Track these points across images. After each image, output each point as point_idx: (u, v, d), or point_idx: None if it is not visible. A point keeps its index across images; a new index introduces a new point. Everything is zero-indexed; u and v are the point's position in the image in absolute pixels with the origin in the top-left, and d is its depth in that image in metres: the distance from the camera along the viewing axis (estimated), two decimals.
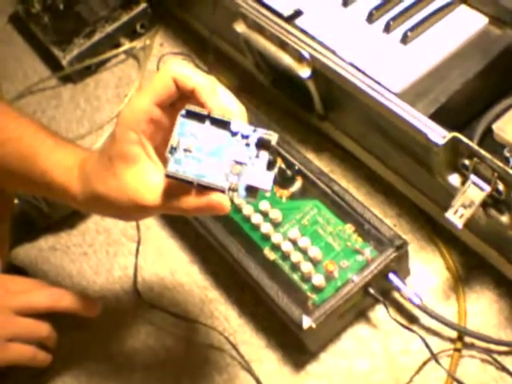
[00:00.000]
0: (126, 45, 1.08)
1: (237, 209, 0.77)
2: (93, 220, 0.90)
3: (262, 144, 0.53)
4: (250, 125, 0.53)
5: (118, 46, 1.08)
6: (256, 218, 0.75)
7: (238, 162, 0.53)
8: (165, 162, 0.53)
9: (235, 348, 0.74)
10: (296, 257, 0.71)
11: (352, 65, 0.73)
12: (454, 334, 0.70)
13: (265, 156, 0.53)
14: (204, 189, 0.52)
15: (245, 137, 0.53)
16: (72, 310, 0.72)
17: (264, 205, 0.76)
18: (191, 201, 0.53)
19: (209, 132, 0.53)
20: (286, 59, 0.78)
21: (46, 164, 0.61)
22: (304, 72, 0.76)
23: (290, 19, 0.80)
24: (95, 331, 0.80)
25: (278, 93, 0.89)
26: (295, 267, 0.71)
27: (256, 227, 0.75)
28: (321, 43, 0.76)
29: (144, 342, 0.78)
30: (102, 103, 1.04)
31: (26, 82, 1.10)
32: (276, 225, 0.75)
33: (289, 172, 0.78)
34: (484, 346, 0.69)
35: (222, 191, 0.52)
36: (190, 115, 0.53)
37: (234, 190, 0.52)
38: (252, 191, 0.53)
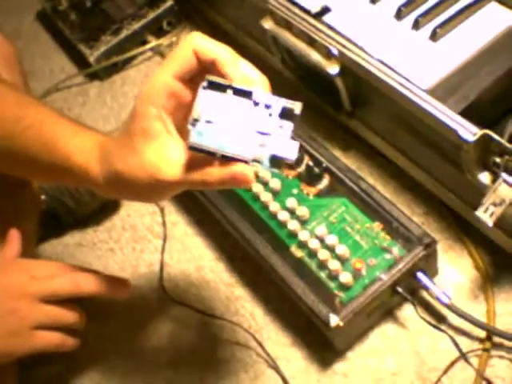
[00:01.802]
0: (153, 42, 1.08)
1: (263, 206, 0.77)
2: (119, 216, 0.91)
3: (285, 114, 0.52)
4: (273, 94, 0.53)
5: (144, 43, 1.09)
6: (283, 215, 0.75)
7: (261, 133, 0.52)
8: (186, 134, 0.52)
9: (261, 345, 0.74)
10: (323, 254, 0.71)
11: (381, 61, 0.73)
12: (482, 334, 0.70)
13: (289, 126, 0.52)
14: (227, 160, 0.52)
15: (268, 106, 0.52)
16: (99, 293, 0.71)
17: (291, 202, 0.75)
18: (214, 173, 0.52)
19: (231, 103, 0.52)
20: (315, 56, 0.77)
21: (66, 149, 0.60)
22: (332, 69, 0.75)
23: (317, 16, 0.80)
24: (120, 327, 0.81)
25: (305, 90, 0.88)
26: (322, 265, 0.71)
27: (283, 224, 0.75)
28: (349, 40, 0.75)
29: (169, 339, 0.78)
30: (129, 100, 1.04)
31: (52, 79, 1.11)
32: (303, 222, 0.74)
33: (316, 169, 0.77)
34: None
35: (246, 162, 0.51)
36: (212, 86, 0.52)
37: (257, 161, 0.52)
38: (276, 162, 0.52)
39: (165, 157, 0.54)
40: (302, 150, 0.79)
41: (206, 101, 0.52)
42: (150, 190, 0.56)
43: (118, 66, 1.09)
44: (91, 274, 0.71)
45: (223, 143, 0.51)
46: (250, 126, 0.52)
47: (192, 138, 0.51)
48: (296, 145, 0.51)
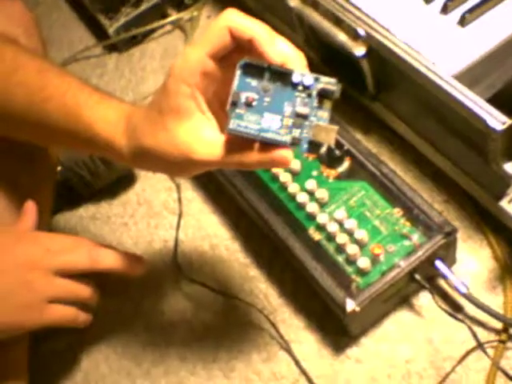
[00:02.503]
0: (173, 16, 1.07)
1: (282, 187, 0.76)
2: (134, 191, 0.90)
3: (324, 94, 0.51)
4: (312, 74, 0.52)
5: (164, 16, 1.07)
6: (302, 197, 0.74)
7: (299, 115, 0.51)
8: (218, 115, 0.52)
9: (274, 327, 0.74)
10: (342, 238, 0.70)
11: (408, 45, 0.71)
12: (499, 326, 0.69)
13: (327, 107, 0.51)
14: (266, 143, 0.51)
15: (306, 87, 0.51)
16: (115, 270, 0.70)
17: (310, 184, 0.74)
18: (254, 156, 0.52)
19: (269, 84, 0.51)
20: (341, 36, 0.76)
21: (90, 118, 0.59)
22: (359, 50, 0.74)
23: None
24: (134, 302, 0.80)
25: (328, 71, 0.87)
26: (340, 249, 0.70)
27: (301, 206, 0.74)
28: (376, 21, 0.74)
29: (182, 316, 0.78)
30: (147, 74, 1.03)
31: (71, 50, 1.10)
32: (322, 205, 0.73)
33: (337, 152, 0.76)
34: None
35: (285, 146, 0.51)
36: (249, 68, 0.51)
37: (296, 144, 0.51)
38: (314, 145, 0.51)
39: (199, 136, 0.53)
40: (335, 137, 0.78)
41: (244, 82, 0.51)
42: (180, 166, 0.55)
43: (137, 38, 1.07)
44: (107, 249, 0.71)
45: (262, 126, 0.51)
46: (289, 108, 0.51)
47: (231, 123, 0.51)
48: (335, 129, 0.51)
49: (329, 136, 0.51)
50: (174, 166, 0.55)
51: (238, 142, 0.52)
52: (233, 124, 0.51)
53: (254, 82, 0.51)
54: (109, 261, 0.69)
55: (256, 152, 0.52)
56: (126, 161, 0.59)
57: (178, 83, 0.53)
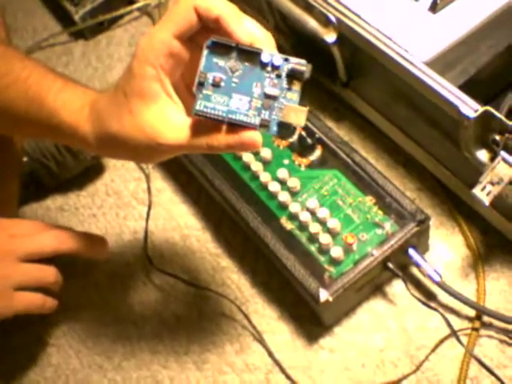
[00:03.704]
0: (141, 2, 1.05)
1: (254, 176, 0.75)
2: (103, 181, 0.88)
3: (294, 75, 0.50)
4: (281, 54, 0.51)
5: (132, 2, 1.05)
6: (273, 186, 0.73)
7: (269, 96, 0.50)
8: (185, 98, 0.51)
9: (247, 318, 0.73)
10: (314, 228, 0.69)
11: (379, 31, 0.71)
12: (472, 313, 0.69)
13: (297, 88, 0.50)
14: (234, 125, 0.50)
15: (276, 68, 0.50)
16: (79, 252, 0.69)
17: (282, 173, 0.73)
18: (222, 138, 0.51)
19: (237, 64, 0.50)
20: (311, 23, 0.75)
21: (53, 104, 0.58)
22: (330, 37, 0.73)
23: None
24: (103, 295, 0.79)
25: (299, 57, 0.86)
26: (313, 238, 0.69)
27: (273, 196, 0.73)
28: (347, 8, 0.73)
29: (153, 309, 0.77)
30: (114, 61, 1.01)
31: (35, 37, 1.07)
32: (294, 194, 0.73)
33: (309, 140, 0.75)
34: (502, 326, 0.68)
35: (254, 128, 0.50)
36: (216, 47, 0.50)
37: (265, 126, 0.50)
38: (284, 127, 0.50)
39: (165, 120, 0.52)
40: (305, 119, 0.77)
41: (211, 62, 0.50)
42: (146, 152, 0.54)
43: (103, 25, 1.05)
44: (71, 231, 0.69)
45: (230, 107, 0.49)
46: (257, 89, 0.50)
47: (198, 104, 0.49)
48: (305, 110, 0.50)
49: (299, 117, 0.50)
50: (141, 151, 0.54)
51: (205, 125, 0.51)
52: (199, 105, 0.50)
53: (221, 62, 0.50)
54: (74, 242, 0.68)
55: (224, 134, 0.50)
56: (92, 148, 0.58)
57: (142, 65, 0.51)
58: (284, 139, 0.57)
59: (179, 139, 0.52)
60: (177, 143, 0.52)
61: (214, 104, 0.50)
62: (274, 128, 0.50)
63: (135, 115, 0.53)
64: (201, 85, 0.50)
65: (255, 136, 0.50)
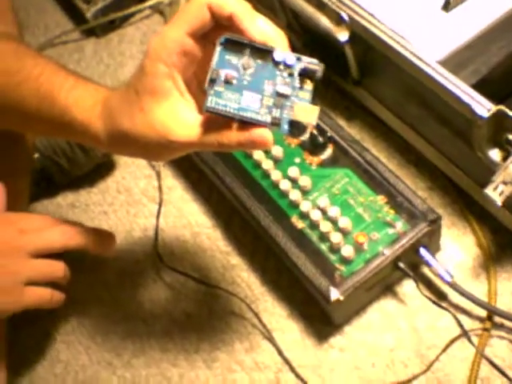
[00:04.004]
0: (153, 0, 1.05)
1: (265, 174, 0.75)
2: (113, 179, 0.88)
3: (306, 75, 0.50)
4: (294, 53, 0.50)
5: (143, 0, 1.05)
6: (284, 185, 0.73)
7: (280, 95, 0.50)
8: (199, 94, 0.51)
9: (257, 316, 0.72)
10: (325, 226, 0.69)
11: (392, 30, 0.70)
12: (483, 313, 0.69)
13: (309, 88, 0.50)
14: (245, 123, 0.50)
15: (288, 66, 0.50)
16: (87, 248, 0.69)
17: (293, 171, 0.73)
18: (232, 136, 0.50)
19: (249, 62, 0.50)
20: (324, 21, 0.74)
21: (65, 102, 0.58)
22: (342, 35, 0.73)
23: None
24: (113, 292, 0.79)
25: (311, 56, 0.86)
26: (324, 237, 0.69)
27: (284, 194, 0.73)
28: (360, 6, 0.73)
29: (163, 306, 0.77)
30: (126, 59, 1.01)
31: (47, 34, 1.07)
32: (305, 192, 0.72)
33: (320, 138, 0.75)
34: None
35: (264, 126, 0.50)
36: (229, 44, 0.50)
37: (276, 124, 0.50)
38: (295, 126, 0.50)
39: (176, 117, 0.52)
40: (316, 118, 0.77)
41: (223, 59, 0.50)
42: (157, 149, 0.54)
43: (115, 23, 1.05)
44: (80, 226, 0.70)
45: (241, 105, 0.49)
46: (270, 87, 0.50)
47: (209, 101, 0.49)
48: (316, 109, 0.50)
49: (310, 116, 0.50)
50: (152, 148, 0.54)
51: (216, 122, 0.51)
52: (211, 102, 0.49)
53: (234, 60, 0.50)
54: (82, 239, 0.68)
55: (234, 132, 0.50)
56: (103, 145, 0.58)
57: (155, 63, 0.51)
58: (296, 138, 0.56)
59: (190, 136, 0.52)
60: (187, 140, 0.52)
61: (225, 101, 0.50)
62: (285, 126, 0.50)
63: (146, 113, 0.53)
64: (212, 81, 0.50)
65: (266, 134, 0.50)
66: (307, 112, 0.50)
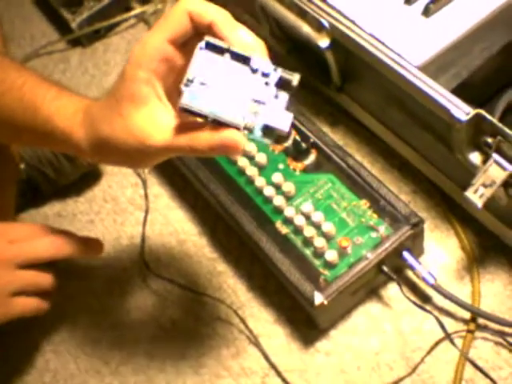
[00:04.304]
0: (137, 9, 1.05)
1: (249, 181, 0.75)
2: (100, 188, 0.89)
3: (282, 84, 0.51)
4: (272, 63, 0.51)
5: (128, 9, 1.06)
6: (268, 191, 0.73)
7: (256, 101, 0.51)
8: (177, 97, 0.51)
9: (243, 322, 0.73)
10: (309, 231, 0.70)
11: (372, 36, 0.71)
12: (467, 315, 0.69)
13: (285, 96, 0.51)
14: (219, 125, 0.51)
15: (265, 75, 0.51)
16: (76, 256, 0.70)
17: (277, 177, 0.74)
18: (203, 137, 0.51)
19: (227, 67, 0.51)
20: (305, 28, 0.75)
21: (48, 111, 0.59)
22: (323, 42, 0.74)
23: None
24: (100, 300, 0.79)
25: (294, 63, 0.86)
26: (308, 242, 0.70)
27: (268, 200, 0.73)
28: (340, 12, 0.74)
29: (150, 313, 0.77)
30: (111, 68, 1.02)
31: (33, 45, 1.08)
32: (289, 198, 0.73)
33: (303, 144, 0.76)
34: (497, 328, 0.68)
35: (238, 128, 0.50)
36: (209, 48, 0.51)
37: (249, 129, 0.51)
38: (268, 132, 0.51)
39: (154, 122, 0.53)
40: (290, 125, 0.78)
41: (202, 62, 0.51)
42: (137, 155, 0.55)
43: (100, 32, 1.05)
44: (68, 236, 0.70)
45: (216, 107, 0.50)
46: (245, 93, 0.50)
47: (184, 98, 0.50)
48: (290, 116, 0.50)
49: (283, 123, 0.51)
50: (132, 154, 0.55)
51: (189, 126, 0.52)
52: (185, 100, 0.50)
53: (212, 63, 0.51)
54: (70, 248, 0.68)
55: (207, 133, 0.51)
56: (85, 154, 0.58)
57: (135, 69, 0.52)
58: (274, 145, 0.57)
59: (166, 141, 0.53)
60: (164, 145, 0.53)
61: (200, 100, 0.50)
62: (258, 132, 0.51)
63: (125, 118, 0.53)
64: (189, 81, 0.50)
65: (237, 137, 0.50)
66: (281, 119, 0.51)
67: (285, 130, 0.51)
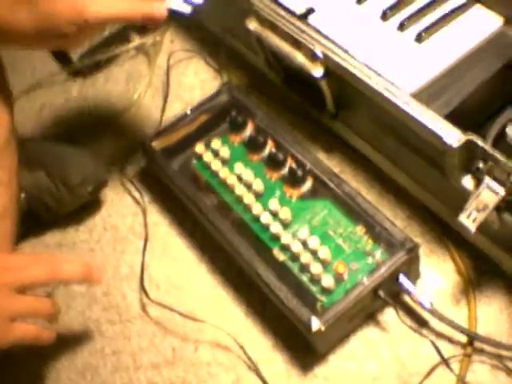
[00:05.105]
0: (137, 41, 1.07)
1: (246, 208, 0.76)
2: (100, 216, 0.90)
3: None
4: None
5: (128, 41, 1.08)
6: (265, 218, 0.74)
7: None
8: None
9: (242, 348, 0.73)
10: (306, 258, 0.70)
11: (365, 65, 0.72)
12: (464, 339, 0.70)
13: None
14: None
15: None
16: (73, 280, 0.71)
17: (274, 204, 0.75)
18: None
19: None
20: (299, 58, 0.77)
21: None
22: (317, 71, 0.75)
23: (302, 17, 0.79)
24: (100, 328, 0.80)
25: (289, 91, 0.88)
26: (305, 268, 0.71)
27: (265, 227, 0.74)
28: (334, 42, 0.75)
29: (150, 340, 0.78)
30: (112, 98, 1.03)
31: (35, 76, 1.10)
32: (286, 225, 0.74)
33: (299, 172, 0.77)
34: (494, 352, 0.68)
35: None
36: None
37: None
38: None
39: None
40: (286, 152, 0.79)
41: None
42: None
43: (101, 63, 1.07)
44: (66, 261, 0.70)
45: None
46: None
47: None
48: None
49: None
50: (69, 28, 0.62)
51: None
52: None
53: None
54: (68, 272, 0.69)
55: None
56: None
57: None
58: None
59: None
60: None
61: None
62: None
63: None
64: None
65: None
66: None
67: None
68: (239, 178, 0.79)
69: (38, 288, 0.70)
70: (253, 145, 0.82)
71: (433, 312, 0.69)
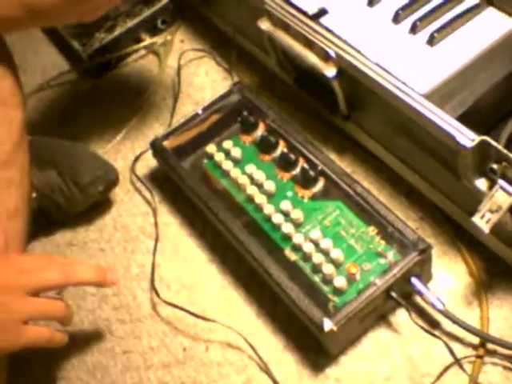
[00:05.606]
0: (147, 40, 1.07)
1: (258, 208, 0.76)
2: (111, 216, 0.90)
3: None
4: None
5: (138, 41, 1.08)
6: (277, 218, 0.74)
7: None
8: None
9: (253, 349, 0.73)
10: (317, 258, 0.70)
11: (378, 65, 0.72)
12: (476, 341, 0.69)
13: None
14: None
15: None
16: (87, 283, 0.71)
17: (285, 205, 0.75)
18: None
19: None
20: (311, 58, 0.77)
21: None
22: (329, 71, 0.75)
23: (315, 17, 0.79)
24: (111, 328, 0.80)
25: (300, 92, 0.88)
26: (316, 269, 0.70)
27: (277, 227, 0.74)
28: (346, 42, 0.75)
29: (161, 340, 0.77)
30: (122, 98, 1.03)
31: (44, 76, 1.10)
32: (297, 225, 0.74)
33: (311, 172, 0.77)
34: (507, 353, 0.68)
35: None
36: None
37: None
38: None
39: None
40: (298, 153, 0.79)
41: None
42: None
43: (111, 63, 1.07)
44: (78, 264, 0.71)
45: None
46: None
47: None
48: None
49: None
50: None
51: None
52: None
53: None
54: (81, 276, 0.69)
55: None
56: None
57: None
58: None
59: None
60: None
61: None
62: None
63: None
64: None
65: None
66: None
67: None
68: (250, 178, 0.79)
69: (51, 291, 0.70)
70: (264, 145, 0.82)
71: (445, 313, 0.69)
